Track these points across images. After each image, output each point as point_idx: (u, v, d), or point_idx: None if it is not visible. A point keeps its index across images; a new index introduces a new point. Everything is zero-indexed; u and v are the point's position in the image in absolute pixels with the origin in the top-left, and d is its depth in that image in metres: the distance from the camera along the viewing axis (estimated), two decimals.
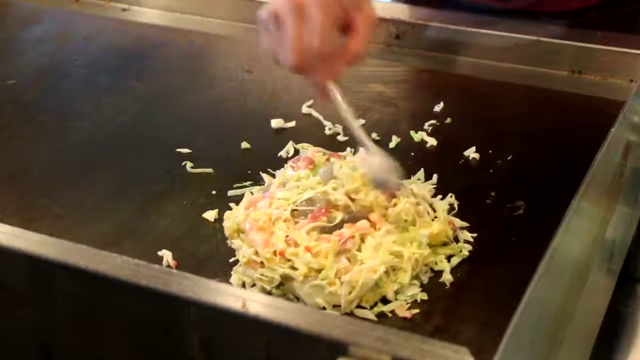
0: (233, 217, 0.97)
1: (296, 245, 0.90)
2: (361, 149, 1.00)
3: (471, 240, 0.96)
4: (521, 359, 0.68)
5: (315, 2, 0.91)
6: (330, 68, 0.94)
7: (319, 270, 0.88)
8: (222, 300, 0.66)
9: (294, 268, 0.88)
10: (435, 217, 0.97)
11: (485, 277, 0.91)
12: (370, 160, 0.96)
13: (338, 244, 0.89)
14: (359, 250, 0.90)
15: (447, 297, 0.89)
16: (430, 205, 0.99)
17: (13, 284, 0.75)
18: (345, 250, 0.89)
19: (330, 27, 0.92)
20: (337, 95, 0.96)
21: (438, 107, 1.25)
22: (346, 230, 0.91)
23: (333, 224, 0.92)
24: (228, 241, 0.97)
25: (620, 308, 1.12)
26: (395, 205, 0.94)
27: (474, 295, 0.89)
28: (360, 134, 0.97)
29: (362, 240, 0.91)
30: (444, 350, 0.61)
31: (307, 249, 0.89)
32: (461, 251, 0.94)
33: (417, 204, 0.97)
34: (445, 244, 0.95)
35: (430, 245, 0.93)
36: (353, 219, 0.92)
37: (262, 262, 0.89)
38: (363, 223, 0.92)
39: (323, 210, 0.93)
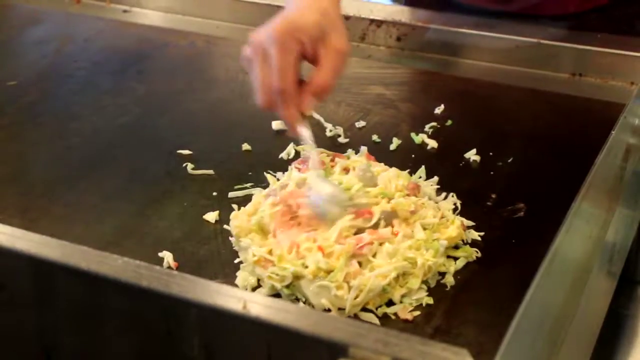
0: (246, 216, 0.97)
1: (315, 241, 0.90)
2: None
3: (479, 239, 0.97)
4: None
5: (274, 42, 0.94)
6: (296, 103, 0.96)
7: (329, 272, 0.87)
8: (222, 301, 0.66)
9: (305, 266, 0.88)
10: (442, 217, 0.97)
11: (486, 279, 0.91)
12: (318, 189, 0.96)
13: (352, 248, 0.89)
14: (374, 256, 0.90)
15: (448, 298, 0.89)
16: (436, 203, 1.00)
17: (14, 284, 0.75)
18: (361, 254, 0.89)
19: (290, 65, 0.94)
20: (304, 131, 0.98)
21: (439, 109, 1.25)
22: (366, 235, 0.90)
23: (369, 225, 0.92)
24: (232, 239, 0.97)
25: (620, 310, 1.12)
26: (417, 210, 0.95)
27: (474, 297, 0.89)
28: (319, 170, 0.99)
29: (380, 244, 0.91)
30: (443, 352, 0.61)
31: (320, 249, 0.88)
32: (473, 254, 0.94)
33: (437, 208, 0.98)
34: (456, 246, 0.95)
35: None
36: (386, 220, 0.93)
37: (272, 261, 0.89)
38: (385, 231, 0.91)
39: (365, 211, 0.93)
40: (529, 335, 0.69)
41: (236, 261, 0.94)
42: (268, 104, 0.96)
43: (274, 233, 0.93)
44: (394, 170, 1.03)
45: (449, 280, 0.91)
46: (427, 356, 0.61)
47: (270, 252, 0.90)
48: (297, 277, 0.88)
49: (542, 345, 0.75)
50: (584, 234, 0.88)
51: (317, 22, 0.96)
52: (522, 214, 1.01)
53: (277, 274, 0.88)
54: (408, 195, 0.98)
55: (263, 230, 0.95)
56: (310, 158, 1.00)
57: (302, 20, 0.95)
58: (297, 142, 1.15)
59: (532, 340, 0.71)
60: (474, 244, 0.96)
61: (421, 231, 0.93)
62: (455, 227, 0.95)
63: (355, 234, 0.92)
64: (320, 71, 0.97)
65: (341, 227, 0.91)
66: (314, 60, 0.97)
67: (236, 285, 0.91)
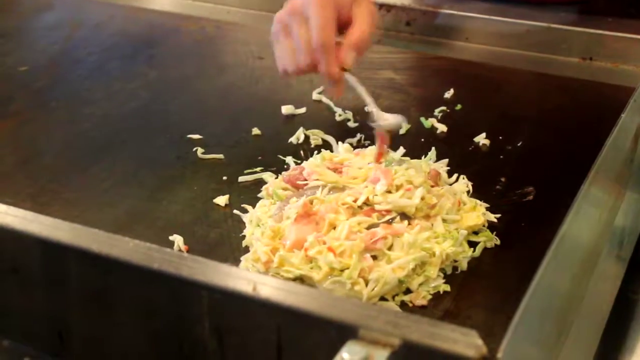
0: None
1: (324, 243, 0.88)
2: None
3: (495, 221, 0.96)
4: (529, 344, 0.69)
5: (311, 3, 0.96)
6: (337, 57, 0.97)
7: (342, 270, 0.86)
8: (233, 283, 0.67)
9: (318, 267, 0.86)
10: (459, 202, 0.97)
11: (495, 262, 0.92)
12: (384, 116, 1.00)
13: (365, 243, 0.87)
14: (390, 249, 0.89)
15: (458, 282, 0.89)
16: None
17: (26, 267, 0.76)
18: (374, 249, 0.88)
19: (329, 20, 0.96)
20: (350, 77, 0.99)
21: (448, 94, 1.25)
22: (380, 230, 0.89)
23: (382, 221, 0.91)
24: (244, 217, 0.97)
25: (630, 295, 1.12)
26: (436, 203, 0.94)
27: (483, 281, 0.89)
28: (373, 107, 1.00)
29: (397, 235, 0.90)
30: (452, 333, 0.61)
31: (330, 250, 0.87)
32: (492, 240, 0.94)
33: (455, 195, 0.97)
34: (476, 231, 0.95)
35: None
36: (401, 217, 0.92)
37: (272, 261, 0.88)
38: (400, 226, 0.90)
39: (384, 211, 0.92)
40: (536, 318, 0.69)
41: (243, 246, 0.94)
42: (304, 66, 0.98)
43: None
44: (415, 162, 1.02)
45: (461, 264, 0.91)
46: (436, 337, 0.61)
47: (273, 250, 0.89)
48: (304, 278, 0.87)
49: (550, 328, 0.75)
50: (592, 218, 0.88)
51: None
52: (531, 197, 1.01)
53: (279, 275, 0.87)
54: (432, 186, 0.97)
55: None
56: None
57: None
58: (307, 126, 1.16)
59: (540, 323, 0.72)
60: (491, 227, 0.96)
61: (441, 225, 0.92)
62: (479, 214, 0.95)
63: (369, 227, 0.90)
64: (356, 25, 0.99)
65: (349, 224, 0.89)
66: (346, 25, 0.99)
67: None
